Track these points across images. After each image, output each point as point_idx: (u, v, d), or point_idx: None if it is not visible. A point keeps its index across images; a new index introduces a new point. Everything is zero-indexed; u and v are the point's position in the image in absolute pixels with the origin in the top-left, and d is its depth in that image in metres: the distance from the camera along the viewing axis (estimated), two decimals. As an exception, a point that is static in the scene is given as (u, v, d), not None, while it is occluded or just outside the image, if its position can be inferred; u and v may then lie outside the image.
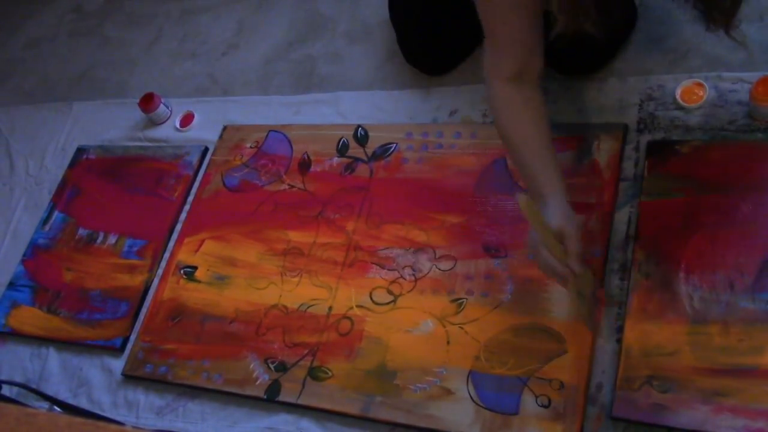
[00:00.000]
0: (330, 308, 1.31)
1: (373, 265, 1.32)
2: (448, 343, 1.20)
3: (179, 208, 1.58)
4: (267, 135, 1.59)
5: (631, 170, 1.24)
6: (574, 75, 1.36)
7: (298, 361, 1.27)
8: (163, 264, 1.51)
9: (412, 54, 1.54)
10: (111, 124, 1.83)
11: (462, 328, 1.20)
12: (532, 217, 1.00)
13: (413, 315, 1.25)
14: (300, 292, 1.35)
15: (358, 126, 1.51)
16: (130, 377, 1.40)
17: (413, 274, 1.29)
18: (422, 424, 1.14)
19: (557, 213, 1.03)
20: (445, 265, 1.28)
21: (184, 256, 1.49)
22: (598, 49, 1.34)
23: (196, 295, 1.43)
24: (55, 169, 1.81)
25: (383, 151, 1.45)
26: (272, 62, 1.79)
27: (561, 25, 1.04)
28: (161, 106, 1.73)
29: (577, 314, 1.12)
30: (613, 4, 1.33)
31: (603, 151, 1.27)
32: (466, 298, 1.23)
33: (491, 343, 1.17)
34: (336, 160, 1.49)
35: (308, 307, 1.33)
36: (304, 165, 1.51)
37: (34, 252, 1.67)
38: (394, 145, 1.45)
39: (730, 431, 0.98)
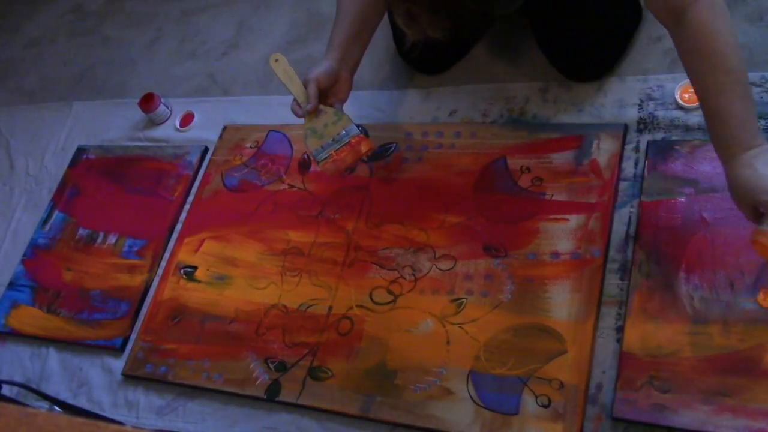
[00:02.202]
0: (330, 308, 1.31)
1: (373, 265, 1.32)
2: (448, 343, 1.20)
3: (179, 208, 1.58)
4: (267, 135, 1.59)
5: (631, 170, 1.24)
6: (582, 80, 1.36)
7: (298, 361, 1.27)
8: (163, 264, 1.51)
9: (408, 53, 1.53)
10: (111, 124, 1.83)
11: (462, 328, 1.20)
12: (277, 68, 1.26)
13: (413, 315, 1.25)
14: (300, 291, 1.35)
15: (358, 126, 1.50)
16: (130, 377, 1.40)
17: (413, 274, 1.29)
18: (422, 424, 1.14)
19: (326, 70, 1.23)
20: (445, 264, 1.28)
21: (184, 256, 1.49)
22: (606, 54, 1.34)
23: (196, 295, 1.43)
24: (55, 169, 1.81)
25: (383, 151, 1.45)
26: (272, 62, 1.79)
27: (410, 36, 1.15)
28: (161, 106, 1.73)
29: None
30: (612, 6, 1.34)
31: (603, 151, 1.27)
32: (466, 298, 1.23)
33: (491, 343, 1.17)
34: (336, 160, 1.48)
35: (308, 307, 1.33)
36: (304, 165, 1.51)
37: (34, 252, 1.67)
38: (394, 145, 1.45)
39: (731, 431, 0.98)
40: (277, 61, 1.28)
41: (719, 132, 0.97)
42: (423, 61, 1.53)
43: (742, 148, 0.94)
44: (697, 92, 1.00)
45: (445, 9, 1.07)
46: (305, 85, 1.24)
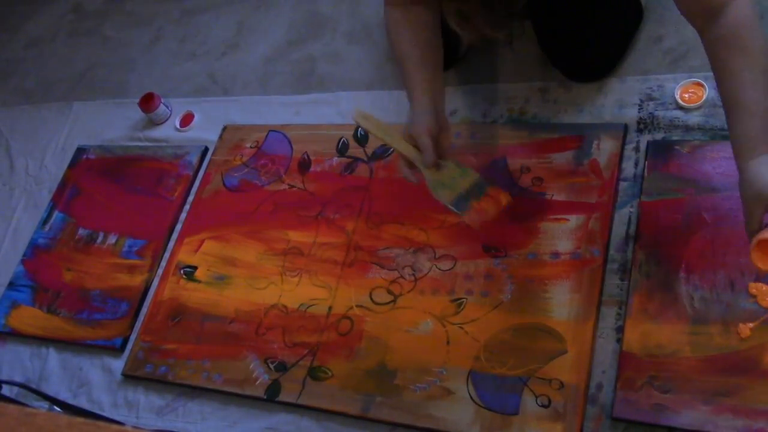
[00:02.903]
0: (330, 308, 1.31)
1: (373, 265, 1.32)
2: (448, 343, 1.20)
3: (179, 208, 1.58)
4: (267, 135, 1.59)
5: (631, 170, 1.24)
6: (583, 81, 1.36)
7: (298, 361, 1.27)
8: (163, 264, 1.51)
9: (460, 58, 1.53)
10: (111, 124, 1.83)
11: (462, 328, 1.20)
12: (369, 126, 1.18)
13: (413, 315, 1.25)
14: (300, 292, 1.35)
15: (358, 126, 1.50)
16: (130, 377, 1.40)
17: (413, 274, 1.29)
18: (422, 424, 1.14)
19: (411, 118, 1.15)
20: (445, 265, 1.28)
21: (184, 256, 1.49)
22: (607, 54, 1.34)
23: (196, 295, 1.43)
24: (55, 169, 1.81)
25: (383, 151, 1.45)
26: (272, 62, 1.79)
27: (466, 39, 1.15)
28: (161, 106, 1.73)
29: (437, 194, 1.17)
30: (615, 5, 1.34)
31: (603, 151, 1.27)
32: (466, 298, 1.23)
33: (491, 343, 1.17)
34: (336, 160, 1.49)
35: (308, 307, 1.33)
36: (304, 165, 1.51)
37: (34, 252, 1.67)
38: (394, 145, 1.44)
39: (731, 431, 0.98)
40: (366, 118, 1.19)
41: (747, 126, 0.94)
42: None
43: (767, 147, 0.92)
44: (726, 88, 0.98)
45: (499, 3, 1.08)
46: (411, 139, 1.14)
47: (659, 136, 1.25)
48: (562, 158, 1.29)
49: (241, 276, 1.42)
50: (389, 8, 1.22)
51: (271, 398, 1.25)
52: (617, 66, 1.35)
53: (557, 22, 1.35)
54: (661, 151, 1.22)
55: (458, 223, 1.30)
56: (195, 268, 1.47)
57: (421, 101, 1.16)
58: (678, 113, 1.26)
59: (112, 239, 1.60)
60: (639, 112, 1.29)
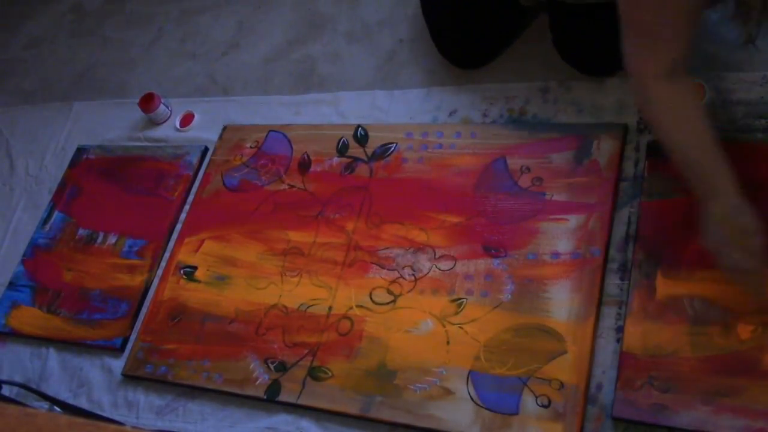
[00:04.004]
0: (330, 308, 1.31)
1: (373, 265, 1.32)
2: (448, 343, 1.20)
3: (179, 208, 1.58)
4: (267, 135, 1.59)
5: (631, 170, 1.24)
6: (597, 75, 1.36)
7: (298, 361, 1.27)
8: (163, 264, 1.51)
9: (446, 45, 1.52)
10: (111, 124, 1.83)
11: (462, 328, 1.20)
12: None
13: (413, 315, 1.25)
14: (300, 292, 1.35)
15: (358, 126, 1.51)
16: (130, 377, 1.40)
17: (413, 274, 1.29)
18: (422, 424, 1.14)
19: (739, 206, 0.99)
20: (445, 265, 1.28)
21: (184, 256, 1.49)
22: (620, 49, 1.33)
23: (196, 295, 1.43)
24: (55, 169, 1.81)
25: (383, 151, 1.45)
26: (272, 62, 1.79)
27: (757, 15, 0.99)
28: (161, 106, 1.73)
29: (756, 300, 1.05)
30: None
31: (603, 151, 1.26)
32: (466, 298, 1.23)
33: (491, 343, 1.17)
34: (336, 160, 1.49)
35: (308, 307, 1.33)
36: (304, 165, 1.51)
37: (34, 252, 1.67)
38: (394, 145, 1.45)
39: (731, 431, 0.98)
40: None
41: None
42: (463, 54, 1.51)
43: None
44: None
45: None
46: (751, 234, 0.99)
47: (659, 136, 1.25)
48: (562, 158, 1.29)
49: (241, 276, 1.42)
50: (653, 81, 1.03)
51: (271, 398, 1.25)
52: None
53: (574, 16, 1.34)
54: (661, 151, 1.22)
55: (458, 222, 1.31)
56: (195, 268, 1.47)
57: (737, 194, 0.99)
58: (678, 113, 1.26)
59: (112, 239, 1.60)
60: (639, 112, 1.29)
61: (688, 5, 0.99)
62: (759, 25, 1.02)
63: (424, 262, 1.29)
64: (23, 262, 1.66)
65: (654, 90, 1.04)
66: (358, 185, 1.43)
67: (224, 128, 1.66)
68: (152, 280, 1.50)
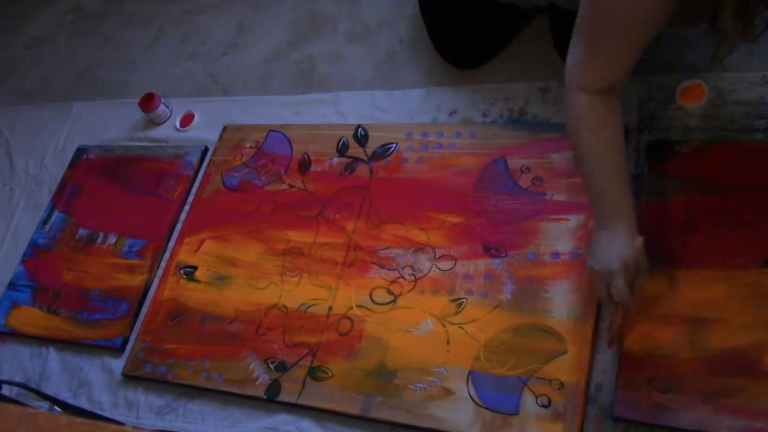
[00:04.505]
0: (330, 308, 1.31)
1: (373, 265, 1.32)
2: (448, 343, 1.20)
3: (179, 208, 1.58)
4: (267, 135, 1.59)
5: (631, 170, 1.24)
6: None
7: (298, 361, 1.27)
8: (163, 264, 1.51)
9: (444, 46, 1.52)
10: (111, 124, 1.83)
11: (462, 328, 1.20)
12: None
13: (413, 315, 1.25)
14: (300, 292, 1.35)
15: (358, 126, 1.51)
16: (130, 377, 1.40)
17: (413, 274, 1.29)
18: (422, 424, 1.14)
19: (631, 243, 1.01)
20: (445, 265, 1.28)
21: (184, 256, 1.49)
22: None
23: (196, 295, 1.43)
24: (55, 169, 1.81)
25: (383, 151, 1.45)
26: (272, 62, 1.79)
27: (733, 39, 0.95)
28: (161, 106, 1.73)
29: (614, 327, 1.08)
30: None
31: (603, 151, 1.26)
32: (466, 298, 1.23)
33: (491, 343, 1.17)
34: (336, 160, 1.49)
35: (308, 307, 1.33)
36: (304, 165, 1.51)
37: (34, 252, 1.67)
38: (394, 145, 1.45)
39: (731, 431, 0.98)
40: None
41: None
42: (461, 54, 1.52)
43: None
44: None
45: None
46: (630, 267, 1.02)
47: (659, 136, 1.25)
48: (562, 158, 1.29)
49: (241, 276, 1.42)
50: (584, 94, 1.02)
51: (271, 398, 1.25)
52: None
53: (574, 18, 1.34)
54: (661, 151, 1.22)
55: (458, 222, 1.31)
56: (195, 268, 1.47)
57: (630, 225, 1.02)
58: (678, 113, 1.26)
59: (112, 239, 1.60)
60: (639, 112, 1.29)
61: (648, 25, 0.96)
62: (731, 50, 1.00)
63: (424, 262, 1.29)
64: (23, 262, 1.66)
65: (583, 104, 1.02)
66: (358, 185, 1.43)
67: (224, 128, 1.66)
68: (152, 280, 1.50)
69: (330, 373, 1.24)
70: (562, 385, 1.10)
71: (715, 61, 1.04)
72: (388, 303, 1.28)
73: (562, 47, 1.38)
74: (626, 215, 1.02)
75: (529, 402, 1.10)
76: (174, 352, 1.38)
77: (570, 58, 1.05)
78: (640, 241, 1.01)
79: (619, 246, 1.01)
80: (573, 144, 1.06)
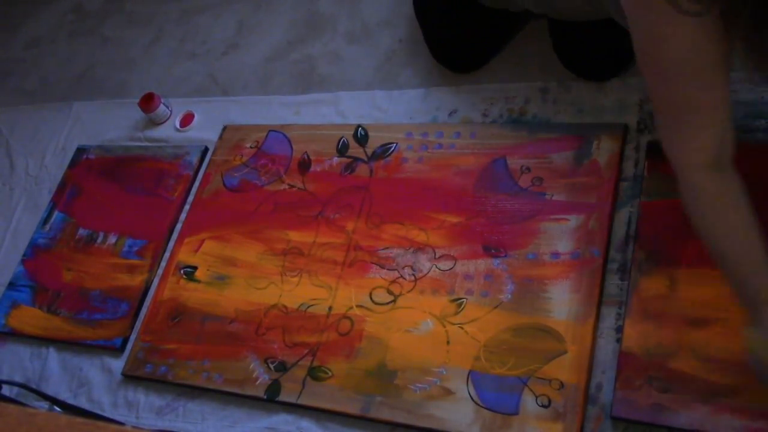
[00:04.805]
0: (330, 308, 1.31)
1: (373, 265, 1.32)
2: (448, 343, 1.20)
3: (179, 208, 1.58)
4: (267, 135, 1.59)
5: (631, 170, 1.24)
6: (599, 80, 1.35)
7: (298, 361, 1.27)
8: (163, 264, 1.51)
9: (439, 51, 1.53)
10: (111, 124, 1.83)
11: (462, 328, 1.20)
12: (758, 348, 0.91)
13: (413, 315, 1.25)
14: (300, 292, 1.35)
15: (358, 126, 1.51)
16: (130, 377, 1.40)
17: (413, 274, 1.29)
18: (422, 424, 1.14)
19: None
20: (445, 264, 1.28)
21: (184, 256, 1.49)
22: (620, 53, 1.33)
23: (196, 295, 1.43)
24: (55, 169, 1.81)
25: (383, 151, 1.45)
26: (272, 62, 1.79)
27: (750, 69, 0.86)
28: (161, 106, 1.73)
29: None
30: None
31: (603, 151, 1.26)
32: (466, 298, 1.23)
33: (491, 343, 1.17)
34: (336, 160, 1.49)
35: (308, 307, 1.33)
36: (304, 165, 1.51)
37: (34, 252, 1.67)
38: (394, 144, 1.45)
39: (731, 431, 0.98)
40: None
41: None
42: (456, 58, 1.52)
43: None
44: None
45: None
46: None
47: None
48: (562, 158, 1.29)
49: (241, 276, 1.42)
50: (698, 172, 0.92)
51: (271, 398, 1.25)
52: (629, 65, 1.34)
53: (573, 22, 1.34)
54: (661, 151, 1.22)
55: (458, 222, 1.31)
56: (195, 268, 1.47)
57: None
58: (678, 113, 1.26)
59: (112, 239, 1.60)
60: (639, 112, 1.29)
61: (712, 63, 0.86)
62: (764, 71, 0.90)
63: (424, 262, 1.29)
64: (23, 262, 1.66)
65: (700, 182, 0.92)
66: (358, 185, 1.43)
67: (224, 128, 1.66)
68: (152, 280, 1.50)
69: (330, 373, 1.24)
70: (562, 385, 1.10)
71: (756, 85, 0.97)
72: (388, 303, 1.28)
73: (562, 51, 1.39)
74: None
75: (529, 402, 1.10)
76: (174, 352, 1.38)
77: (666, 144, 0.96)
78: None
79: None
80: (700, 234, 0.95)
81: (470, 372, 1.16)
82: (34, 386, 1.40)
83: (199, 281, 1.45)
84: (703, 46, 0.85)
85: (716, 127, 0.90)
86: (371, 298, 1.29)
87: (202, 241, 1.50)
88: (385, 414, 1.17)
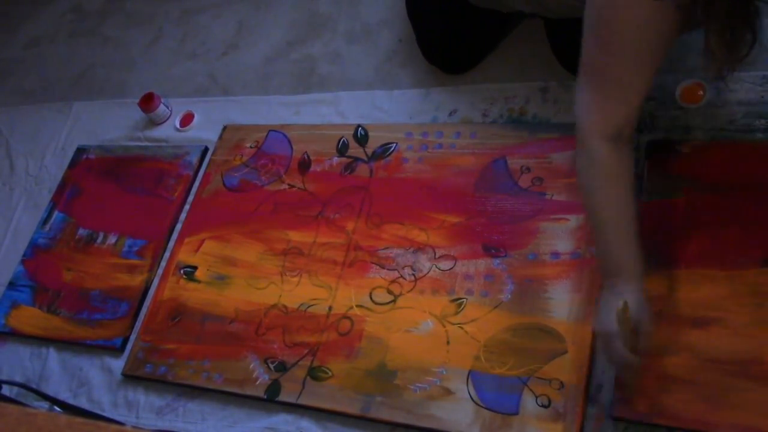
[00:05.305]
0: (330, 308, 1.31)
1: (373, 265, 1.32)
2: (448, 343, 1.20)
3: (179, 208, 1.58)
4: (267, 135, 1.59)
5: (631, 170, 1.24)
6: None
7: (298, 361, 1.27)
8: (163, 264, 1.51)
9: (432, 52, 1.53)
10: (111, 124, 1.83)
11: (462, 328, 1.20)
12: (621, 318, 0.95)
13: (413, 315, 1.25)
14: (300, 292, 1.35)
15: (358, 126, 1.51)
16: (130, 377, 1.40)
17: (413, 274, 1.29)
18: (422, 424, 1.14)
19: (637, 303, 0.97)
20: (445, 264, 1.28)
21: (184, 256, 1.49)
22: None
23: (196, 295, 1.43)
24: (55, 169, 1.81)
25: (383, 151, 1.45)
26: (272, 62, 1.79)
27: (720, 61, 0.94)
28: (161, 106, 1.73)
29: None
30: None
31: (603, 151, 1.26)
32: (466, 298, 1.23)
33: (491, 343, 1.17)
34: (336, 159, 1.49)
35: (308, 307, 1.33)
36: (304, 165, 1.51)
37: (34, 252, 1.67)
38: (394, 144, 1.45)
39: (730, 431, 0.98)
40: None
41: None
42: (448, 59, 1.52)
43: None
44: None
45: None
46: (635, 328, 0.97)
47: (659, 136, 1.25)
48: (562, 158, 1.29)
49: (241, 276, 1.42)
50: (597, 141, 0.98)
51: (271, 398, 1.25)
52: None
53: (569, 23, 1.34)
54: (661, 151, 1.22)
55: (458, 222, 1.30)
56: (195, 268, 1.47)
57: (637, 284, 0.98)
58: (678, 113, 1.26)
59: (112, 239, 1.60)
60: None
61: (653, 53, 0.94)
62: (730, 69, 0.99)
63: (424, 262, 1.29)
64: (23, 262, 1.66)
65: (595, 155, 0.98)
66: (358, 185, 1.43)
67: (224, 128, 1.66)
68: (152, 280, 1.50)
69: (330, 373, 1.24)
70: (562, 385, 1.10)
71: (717, 79, 1.03)
72: (388, 303, 1.28)
73: (560, 53, 1.39)
74: (631, 275, 0.97)
75: (529, 402, 1.10)
76: (174, 352, 1.38)
77: (578, 105, 1.01)
78: (634, 299, 0.96)
79: (633, 304, 0.96)
80: (583, 195, 1.02)
81: (470, 372, 1.16)
82: (34, 386, 1.40)
83: (199, 281, 1.45)
84: (653, 29, 0.91)
85: (630, 107, 0.96)
86: (371, 298, 1.29)
87: (202, 241, 1.50)
88: (385, 414, 1.17)
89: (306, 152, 1.52)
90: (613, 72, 0.96)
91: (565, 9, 1.28)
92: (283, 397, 1.25)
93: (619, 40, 0.94)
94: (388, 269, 1.31)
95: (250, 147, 1.59)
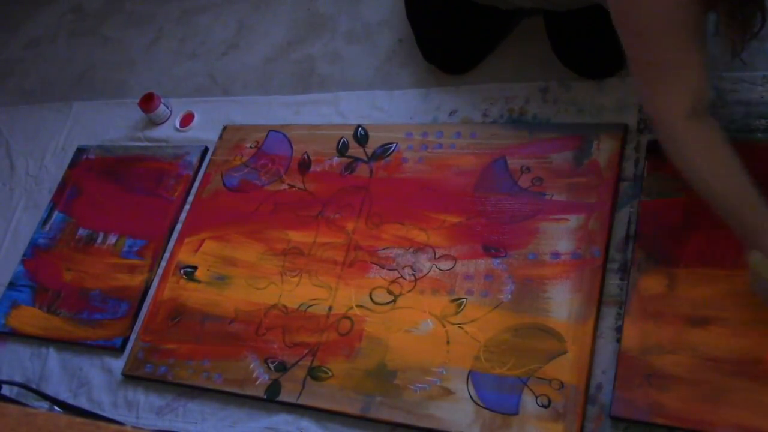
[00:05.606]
0: (330, 308, 1.31)
1: (373, 265, 1.32)
2: (448, 343, 1.20)
3: (179, 208, 1.58)
4: (267, 135, 1.59)
5: (631, 170, 1.24)
6: (598, 78, 1.35)
7: (298, 361, 1.27)
8: (163, 264, 1.51)
9: (431, 52, 1.53)
10: (111, 124, 1.83)
11: (462, 328, 1.20)
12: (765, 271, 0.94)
13: (413, 315, 1.25)
14: (300, 292, 1.35)
15: (358, 126, 1.51)
16: (130, 377, 1.40)
17: (413, 274, 1.29)
18: (422, 424, 1.14)
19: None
20: (445, 264, 1.28)
21: (184, 256, 1.49)
22: (619, 49, 1.33)
23: (196, 295, 1.43)
24: (55, 169, 1.81)
25: (383, 151, 1.45)
26: (272, 62, 1.79)
27: (732, 42, 0.95)
28: (161, 106, 1.73)
29: None
30: None
31: (603, 151, 1.27)
32: (466, 298, 1.23)
33: (491, 343, 1.17)
34: (336, 160, 1.49)
35: (308, 307, 1.33)
36: (304, 165, 1.51)
37: (34, 252, 1.67)
38: (394, 144, 1.45)
39: (730, 431, 0.98)
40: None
41: None
42: (448, 59, 1.52)
43: None
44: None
45: None
46: None
47: (659, 136, 1.25)
48: (562, 158, 1.29)
49: (241, 276, 1.42)
50: (678, 123, 0.96)
51: (271, 398, 1.25)
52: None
53: (569, 21, 1.34)
54: (661, 151, 1.22)
55: (458, 222, 1.30)
56: (195, 268, 1.47)
57: None
58: (678, 113, 1.26)
59: (112, 239, 1.60)
60: (639, 112, 1.29)
61: (680, 27, 0.94)
62: (740, 47, 1.00)
63: (424, 262, 1.29)
64: (23, 262, 1.66)
65: (681, 132, 0.96)
66: (358, 185, 1.43)
67: (224, 128, 1.66)
68: (152, 280, 1.50)
69: (330, 373, 1.24)
70: (562, 385, 1.10)
71: (733, 57, 1.03)
72: (388, 303, 1.28)
73: (560, 51, 1.39)
74: None
75: (529, 402, 1.10)
76: (174, 352, 1.38)
77: (645, 101, 1.03)
78: None
79: None
80: (691, 178, 0.99)
81: (470, 372, 1.16)
82: (34, 386, 1.40)
83: (199, 281, 1.45)
84: (682, 6, 0.91)
85: (689, 83, 0.95)
86: (371, 298, 1.29)
87: (202, 241, 1.50)
88: (385, 414, 1.17)
89: (306, 152, 1.52)
90: (659, 59, 0.96)
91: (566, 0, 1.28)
92: (283, 397, 1.25)
93: (653, 28, 0.94)
94: (388, 269, 1.31)
95: (250, 147, 1.59)
